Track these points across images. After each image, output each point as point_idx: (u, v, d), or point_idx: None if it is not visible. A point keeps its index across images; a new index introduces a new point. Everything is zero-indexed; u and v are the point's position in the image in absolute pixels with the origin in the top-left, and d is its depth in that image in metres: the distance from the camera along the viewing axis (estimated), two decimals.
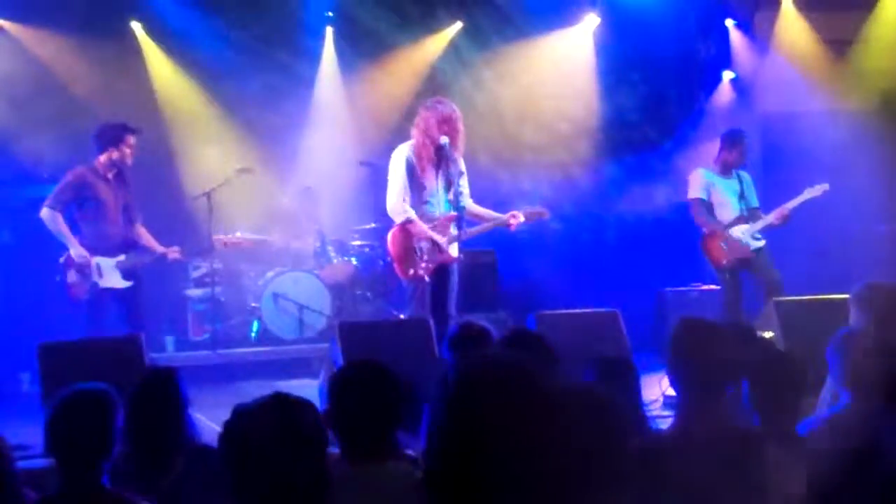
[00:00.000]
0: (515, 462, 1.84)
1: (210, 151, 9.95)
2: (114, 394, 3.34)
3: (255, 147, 10.10)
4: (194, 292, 9.64)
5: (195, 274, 9.71)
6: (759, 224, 8.45)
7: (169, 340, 9.26)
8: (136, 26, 10.04)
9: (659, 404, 6.53)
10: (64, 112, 9.03)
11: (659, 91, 10.92)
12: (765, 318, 6.93)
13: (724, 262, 8.42)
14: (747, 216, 8.53)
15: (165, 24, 9.92)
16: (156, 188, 9.07)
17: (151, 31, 10.09)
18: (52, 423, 3.23)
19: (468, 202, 7.19)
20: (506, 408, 1.86)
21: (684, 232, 9.02)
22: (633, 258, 10.27)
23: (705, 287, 9.58)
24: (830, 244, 10.03)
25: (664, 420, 5.48)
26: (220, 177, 9.13)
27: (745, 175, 8.71)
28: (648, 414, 4.87)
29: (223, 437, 2.41)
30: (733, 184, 8.59)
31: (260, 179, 9.72)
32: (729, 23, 11.25)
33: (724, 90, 11.32)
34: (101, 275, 7.58)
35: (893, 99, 10.44)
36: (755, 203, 8.65)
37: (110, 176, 7.68)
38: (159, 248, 7.90)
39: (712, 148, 8.83)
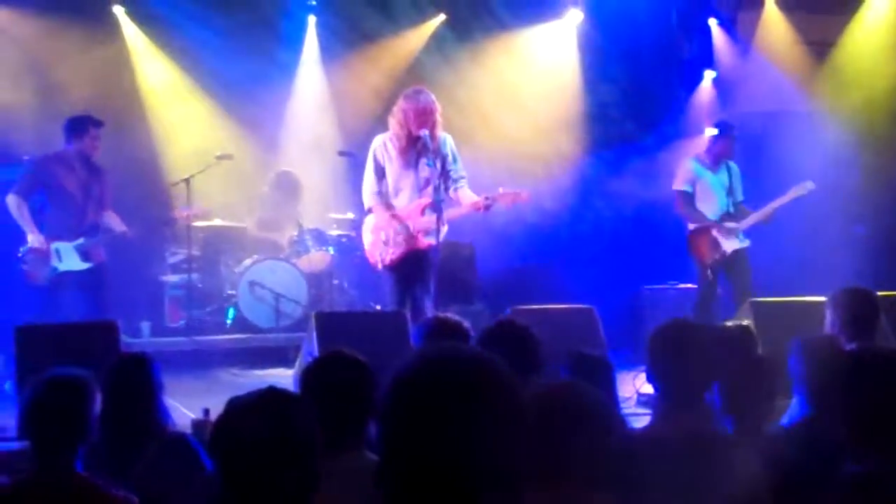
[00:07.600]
0: (478, 462, 1.68)
1: (190, 137, 9.88)
2: (92, 380, 3.32)
3: (235, 133, 10.05)
4: (171, 278, 9.59)
5: (172, 259, 9.66)
6: (746, 222, 8.42)
7: (145, 326, 9.20)
8: (118, 10, 9.94)
9: (633, 402, 6.54)
10: (43, 95, 8.95)
11: (640, 88, 10.93)
12: (740, 319, 6.92)
13: (710, 258, 8.37)
14: (734, 212, 8.49)
15: (148, 8, 9.83)
16: (135, 173, 9.01)
17: (133, 15, 10.00)
18: (29, 407, 3.20)
19: (463, 190, 7.07)
20: (463, 403, 1.69)
21: (663, 229, 9.02)
22: (611, 254, 10.27)
23: (683, 286, 9.59)
24: (809, 245, 10.07)
25: (638, 417, 5.50)
26: (200, 163, 9.09)
27: (734, 167, 8.63)
28: (623, 412, 4.87)
29: (215, 429, 2.40)
30: (722, 177, 8.51)
31: (239, 166, 9.67)
32: (712, 22, 11.29)
33: (706, 89, 11.36)
34: (59, 259, 7.71)
35: (873, 102, 10.51)
36: (741, 196, 8.61)
37: (77, 165, 7.79)
38: (119, 228, 7.96)
39: (692, 144, 8.83)
